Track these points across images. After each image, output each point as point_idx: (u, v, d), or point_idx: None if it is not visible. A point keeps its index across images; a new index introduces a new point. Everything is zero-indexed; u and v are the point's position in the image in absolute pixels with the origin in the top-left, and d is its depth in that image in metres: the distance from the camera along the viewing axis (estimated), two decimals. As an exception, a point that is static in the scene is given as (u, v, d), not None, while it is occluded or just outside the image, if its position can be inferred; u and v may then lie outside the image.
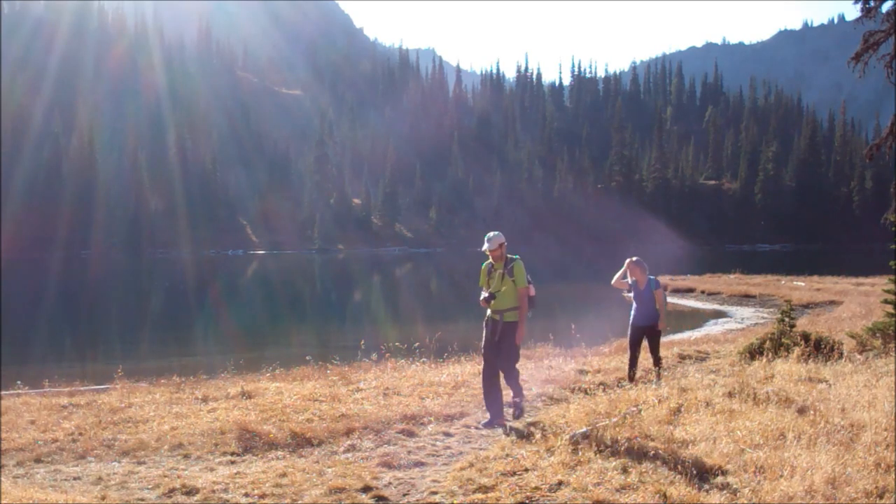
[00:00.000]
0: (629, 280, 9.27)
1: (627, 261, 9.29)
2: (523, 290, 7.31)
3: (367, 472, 5.79)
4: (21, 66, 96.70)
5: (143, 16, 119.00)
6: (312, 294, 45.50)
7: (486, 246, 7.37)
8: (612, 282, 9.46)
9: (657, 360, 9.27)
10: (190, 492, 5.43)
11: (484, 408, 7.72)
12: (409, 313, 31.15)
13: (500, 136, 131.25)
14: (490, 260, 7.43)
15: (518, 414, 7.49)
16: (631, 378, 8.99)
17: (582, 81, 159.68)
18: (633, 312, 9.28)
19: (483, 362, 7.53)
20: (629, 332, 9.30)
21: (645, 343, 9.23)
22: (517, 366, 7.58)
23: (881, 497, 4.44)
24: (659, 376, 9.00)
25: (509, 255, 7.40)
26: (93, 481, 5.78)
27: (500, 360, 7.36)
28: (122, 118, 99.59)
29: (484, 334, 7.50)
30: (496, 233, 7.45)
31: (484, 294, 7.41)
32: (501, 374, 7.49)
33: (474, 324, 16.70)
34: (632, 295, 9.31)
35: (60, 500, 5.08)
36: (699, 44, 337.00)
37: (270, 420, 7.38)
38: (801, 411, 6.17)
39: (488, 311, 7.46)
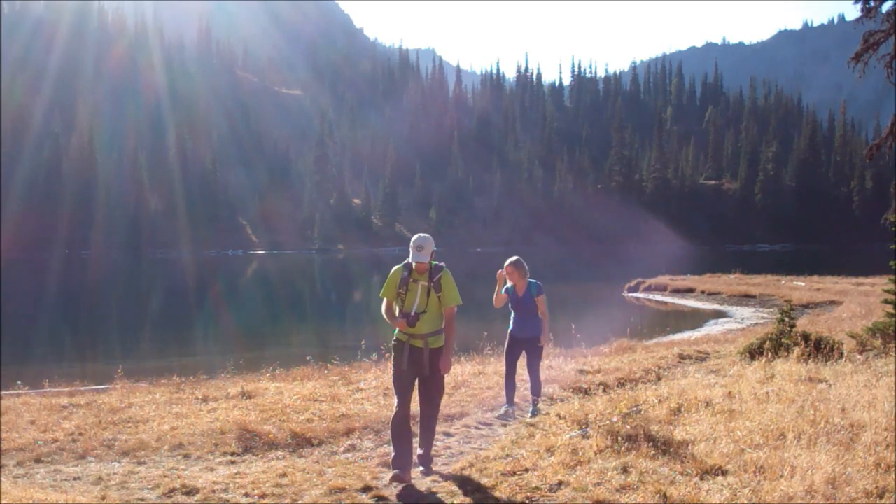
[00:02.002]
0: (507, 286, 7.95)
1: (499, 272, 7.83)
2: (453, 311, 5.75)
3: (367, 472, 5.79)
4: (21, 66, 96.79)
5: (143, 16, 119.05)
6: (312, 294, 45.47)
7: (414, 257, 5.65)
8: (494, 302, 7.94)
9: (535, 382, 7.92)
10: (190, 492, 5.42)
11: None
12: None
13: (500, 136, 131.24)
14: (410, 261, 5.72)
15: (427, 471, 5.82)
16: (509, 399, 7.93)
17: (582, 81, 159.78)
18: (511, 322, 8.05)
19: (397, 402, 5.78)
20: (506, 344, 8.07)
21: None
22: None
23: (881, 497, 4.44)
24: (535, 404, 7.85)
25: (434, 263, 5.75)
26: (93, 481, 5.78)
27: (428, 397, 5.80)
28: (122, 118, 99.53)
29: (395, 365, 5.81)
30: (426, 237, 5.73)
31: (397, 312, 5.75)
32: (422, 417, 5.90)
33: (474, 323, 16.74)
34: (510, 303, 8.00)
35: (60, 500, 5.07)
36: (699, 44, 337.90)
37: (270, 420, 7.37)
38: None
39: (397, 333, 5.78)
